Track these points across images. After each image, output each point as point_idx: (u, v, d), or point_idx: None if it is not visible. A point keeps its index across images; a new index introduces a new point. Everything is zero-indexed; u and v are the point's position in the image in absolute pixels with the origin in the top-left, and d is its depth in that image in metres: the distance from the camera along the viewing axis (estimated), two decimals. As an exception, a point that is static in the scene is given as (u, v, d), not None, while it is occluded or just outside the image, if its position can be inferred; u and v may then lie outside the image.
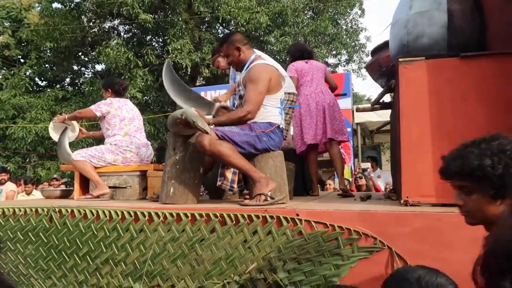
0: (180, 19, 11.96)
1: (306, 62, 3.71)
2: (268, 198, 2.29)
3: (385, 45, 3.06)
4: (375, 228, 1.93)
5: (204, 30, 13.30)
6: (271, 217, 2.05)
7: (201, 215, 2.17)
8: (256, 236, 2.06)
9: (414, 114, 2.18)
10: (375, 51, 3.35)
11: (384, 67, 3.11)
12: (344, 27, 15.08)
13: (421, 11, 2.42)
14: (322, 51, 12.45)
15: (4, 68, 14.84)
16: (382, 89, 3.15)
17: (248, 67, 2.61)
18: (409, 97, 2.20)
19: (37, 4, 15.41)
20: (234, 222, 2.10)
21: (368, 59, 14.15)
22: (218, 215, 2.14)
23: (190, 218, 2.20)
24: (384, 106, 3.41)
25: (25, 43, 14.84)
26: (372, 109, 3.63)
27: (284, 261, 2.02)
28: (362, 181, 6.28)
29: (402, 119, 2.20)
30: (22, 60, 15.38)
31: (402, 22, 2.50)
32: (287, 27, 12.18)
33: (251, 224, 2.08)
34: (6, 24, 15.42)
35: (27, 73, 14.40)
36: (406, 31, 2.46)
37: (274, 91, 2.56)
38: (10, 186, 6.32)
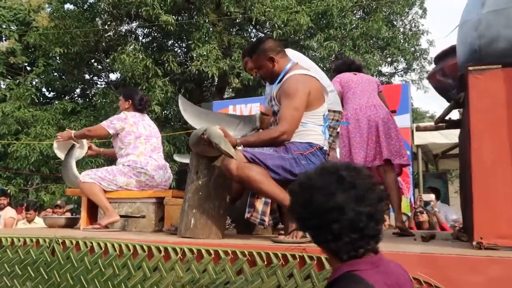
0: (207, 20, 12.28)
1: (355, 74, 3.71)
2: (307, 235, 2.26)
3: (451, 51, 3.00)
4: (440, 275, 1.87)
5: (234, 33, 13.57)
6: (311, 257, 2.03)
7: (226, 253, 2.17)
8: (292, 281, 2.04)
9: (489, 134, 2.12)
10: (439, 58, 3.30)
11: (450, 77, 3.05)
12: (402, 29, 14.98)
13: (496, 9, 2.37)
14: (374, 58, 12.36)
15: (9, 77, 15.66)
16: (448, 103, 3.08)
17: (282, 78, 2.63)
18: (482, 114, 2.15)
19: (47, 5, 16.29)
20: (265, 262, 2.09)
21: (431, 67, 13.96)
22: (247, 253, 2.13)
23: (213, 255, 2.20)
24: (451, 124, 3.33)
25: (33, 48, 15.64)
26: (436, 128, 3.57)
27: (327, 313, 1.97)
28: (424, 217, 6.10)
29: (473, 140, 2.14)
30: (28, 68, 16.19)
31: (473, 23, 2.46)
32: (332, 30, 12.21)
33: (286, 265, 2.05)
34: (13, 28, 16.34)
35: (34, 83, 15.13)
36: (477, 33, 2.41)
37: (315, 106, 2.56)
38: (9, 212, 6.58)
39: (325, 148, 2.61)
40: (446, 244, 2.48)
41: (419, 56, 15.03)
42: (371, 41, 13.40)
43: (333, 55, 11.00)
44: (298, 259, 2.04)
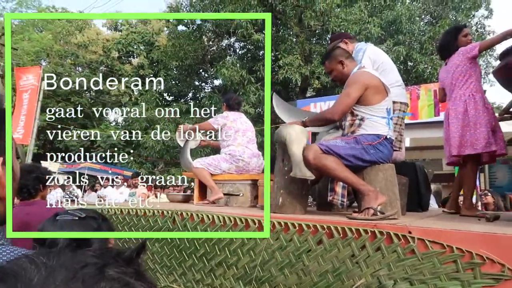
0: (291, 33, 12.24)
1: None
2: (378, 213, 2.20)
3: (516, 48, 2.71)
4: (504, 253, 1.71)
5: (314, 42, 13.37)
6: (381, 232, 1.96)
7: (308, 226, 2.18)
8: (364, 251, 1.99)
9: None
10: (504, 54, 2.98)
11: (515, 72, 2.75)
12: (468, 31, 13.75)
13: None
14: (441, 58, 11.47)
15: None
16: (512, 97, 2.79)
17: None
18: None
19: (165, 28, 17.32)
20: (341, 235, 2.06)
21: (496, 63, 12.63)
22: (325, 227, 2.12)
23: (297, 228, 2.21)
24: (516, 116, 3.00)
25: (156, 63, 16.73)
26: (501, 119, 3.23)
27: (395, 280, 1.90)
28: (488, 199, 5.58)
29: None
30: (153, 78, 17.38)
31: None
32: (401, 36, 11.55)
33: (359, 238, 2.01)
34: (142, 47, 17.63)
35: (157, 90, 16.21)
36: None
37: (376, 101, 2.45)
38: (142, 189, 7.16)
39: (390, 137, 2.49)
40: (510, 224, 2.26)
41: (485, 53, 13.69)
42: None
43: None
44: (369, 234, 1.99)
